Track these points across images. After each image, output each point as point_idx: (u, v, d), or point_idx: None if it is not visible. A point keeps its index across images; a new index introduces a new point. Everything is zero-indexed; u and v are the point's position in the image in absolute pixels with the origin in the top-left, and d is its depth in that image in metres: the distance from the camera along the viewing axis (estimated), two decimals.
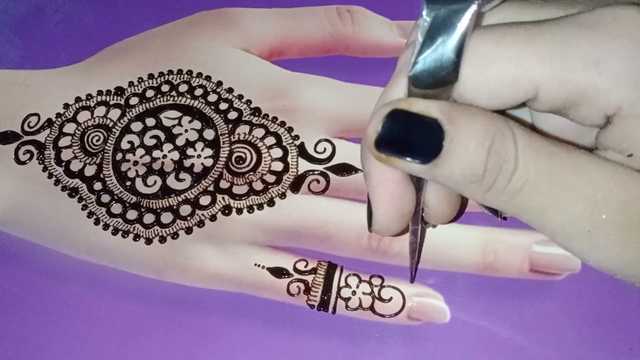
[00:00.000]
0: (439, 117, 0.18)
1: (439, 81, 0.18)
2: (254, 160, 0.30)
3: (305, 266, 0.27)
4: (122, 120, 0.32)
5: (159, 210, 0.29)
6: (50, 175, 0.30)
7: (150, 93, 0.32)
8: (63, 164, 0.31)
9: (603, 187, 0.18)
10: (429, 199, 0.22)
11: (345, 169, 0.29)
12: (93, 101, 0.32)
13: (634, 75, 0.18)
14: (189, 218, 0.29)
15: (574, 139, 0.22)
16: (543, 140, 0.18)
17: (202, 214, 0.29)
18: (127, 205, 0.29)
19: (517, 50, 0.18)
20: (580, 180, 0.18)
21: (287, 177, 0.29)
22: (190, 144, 0.31)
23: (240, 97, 0.32)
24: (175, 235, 0.28)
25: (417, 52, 0.17)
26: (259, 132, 0.31)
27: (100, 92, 0.33)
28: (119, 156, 0.31)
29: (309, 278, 0.27)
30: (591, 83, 0.18)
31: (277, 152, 0.30)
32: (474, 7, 0.17)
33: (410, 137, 0.18)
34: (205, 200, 0.29)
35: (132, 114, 0.32)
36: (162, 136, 0.31)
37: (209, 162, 0.30)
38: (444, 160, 0.18)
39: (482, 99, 0.19)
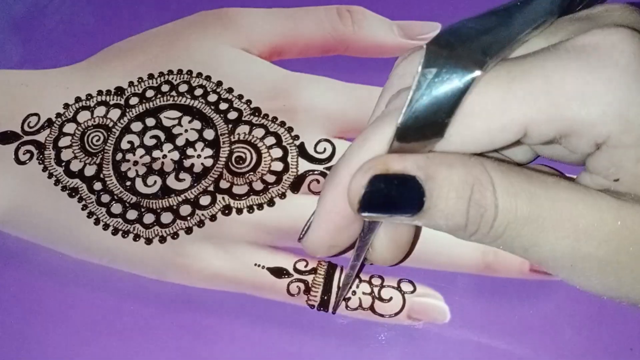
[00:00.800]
0: (417, 174, 0.18)
1: (425, 137, 0.18)
2: (254, 160, 0.30)
3: (305, 266, 0.27)
4: (122, 120, 0.32)
5: (159, 210, 0.29)
6: (50, 175, 0.30)
7: (150, 93, 0.32)
8: (63, 164, 0.31)
9: (583, 224, 0.18)
10: (377, 243, 0.22)
11: None
12: (93, 101, 0.32)
13: (621, 105, 0.18)
14: (189, 218, 0.29)
15: (568, 160, 0.22)
16: (522, 181, 0.18)
17: (202, 214, 0.29)
18: (127, 205, 0.29)
19: (500, 97, 0.18)
20: (560, 219, 0.18)
21: (287, 177, 0.29)
22: (190, 144, 0.31)
23: (240, 97, 0.32)
24: (175, 235, 0.28)
25: (407, 105, 0.17)
26: (259, 132, 0.31)
27: (100, 92, 0.33)
28: (119, 156, 0.31)
29: (309, 278, 0.27)
30: (578, 117, 0.18)
31: (277, 152, 0.30)
32: (473, 77, 0.16)
33: (392, 196, 0.18)
34: (205, 200, 0.29)
35: (132, 114, 0.32)
36: (162, 136, 0.31)
37: (209, 162, 0.30)
38: (426, 214, 0.18)
39: (469, 147, 0.19)
